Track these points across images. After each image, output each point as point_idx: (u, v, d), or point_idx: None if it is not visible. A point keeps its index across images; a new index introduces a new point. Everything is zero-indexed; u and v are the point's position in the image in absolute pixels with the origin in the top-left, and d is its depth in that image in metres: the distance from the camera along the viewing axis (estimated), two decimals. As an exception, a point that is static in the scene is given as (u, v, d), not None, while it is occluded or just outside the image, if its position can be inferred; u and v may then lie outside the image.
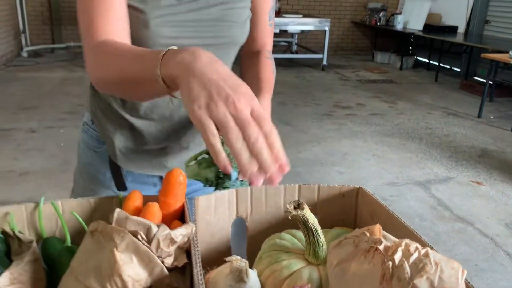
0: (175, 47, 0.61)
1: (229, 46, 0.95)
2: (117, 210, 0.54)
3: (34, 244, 0.58)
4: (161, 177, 1.05)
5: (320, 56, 7.99)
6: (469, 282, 0.50)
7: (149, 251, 0.50)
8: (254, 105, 0.54)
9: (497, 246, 2.70)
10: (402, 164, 3.90)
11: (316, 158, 3.97)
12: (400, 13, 8.47)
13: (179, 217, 0.67)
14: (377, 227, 0.50)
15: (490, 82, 5.56)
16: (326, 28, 7.71)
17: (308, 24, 7.80)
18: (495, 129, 4.95)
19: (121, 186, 1.04)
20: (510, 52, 4.95)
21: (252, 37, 1.02)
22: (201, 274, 0.49)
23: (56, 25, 8.52)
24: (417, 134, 4.71)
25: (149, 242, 0.51)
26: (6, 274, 0.53)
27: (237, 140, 0.51)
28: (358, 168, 3.80)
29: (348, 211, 0.73)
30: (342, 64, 8.63)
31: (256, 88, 0.90)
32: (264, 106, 0.87)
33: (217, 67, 0.56)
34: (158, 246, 0.51)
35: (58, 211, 0.62)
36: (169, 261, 0.52)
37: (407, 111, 5.58)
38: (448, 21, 8.03)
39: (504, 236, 2.80)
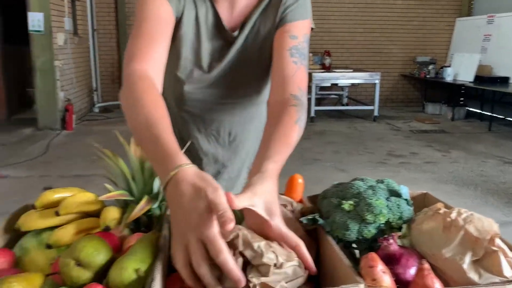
0: (183, 169, 0.68)
1: (245, 104, 1.23)
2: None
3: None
4: None
5: (371, 107, 8.26)
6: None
7: (292, 216, 0.79)
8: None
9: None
10: (458, 209, 4.00)
11: (372, 202, 4.15)
12: (449, 66, 8.67)
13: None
14: (439, 204, 0.76)
15: (546, 131, 5.60)
16: (377, 81, 8.02)
17: (358, 78, 8.17)
18: (553, 177, 4.95)
19: None
20: None
21: (276, 79, 1.03)
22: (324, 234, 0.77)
23: (124, 83, 9.35)
24: (472, 182, 4.79)
25: (292, 211, 0.80)
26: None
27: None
28: (414, 212, 3.94)
29: (415, 210, 1.00)
30: (393, 115, 8.84)
31: (263, 153, 0.82)
32: (267, 175, 0.74)
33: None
34: (296, 214, 0.80)
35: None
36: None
37: (461, 159, 5.67)
38: (499, 72, 8.14)
39: None
